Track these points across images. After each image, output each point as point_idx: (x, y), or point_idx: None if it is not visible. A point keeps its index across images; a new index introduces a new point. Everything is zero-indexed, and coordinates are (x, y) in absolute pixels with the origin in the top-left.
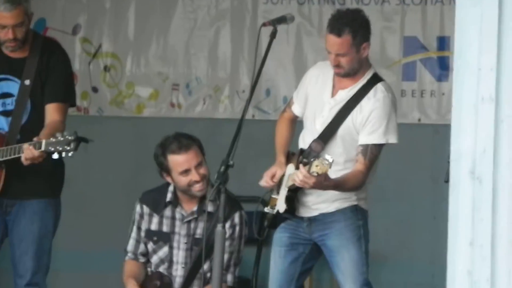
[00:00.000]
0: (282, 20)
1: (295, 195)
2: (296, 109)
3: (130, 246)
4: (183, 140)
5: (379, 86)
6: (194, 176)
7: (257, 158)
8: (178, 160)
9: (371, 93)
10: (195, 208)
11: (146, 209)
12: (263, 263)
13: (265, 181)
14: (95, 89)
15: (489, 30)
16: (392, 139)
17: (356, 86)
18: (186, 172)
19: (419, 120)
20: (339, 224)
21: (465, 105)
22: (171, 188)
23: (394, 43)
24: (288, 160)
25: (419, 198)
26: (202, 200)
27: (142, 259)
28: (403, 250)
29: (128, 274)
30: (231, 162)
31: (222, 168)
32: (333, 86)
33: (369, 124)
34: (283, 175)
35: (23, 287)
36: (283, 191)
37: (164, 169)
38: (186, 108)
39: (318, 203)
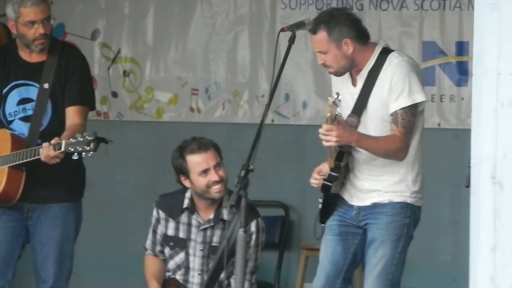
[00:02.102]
0: (300, 25)
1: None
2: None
3: (148, 245)
4: (202, 140)
5: (391, 56)
6: (213, 176)
7: (276, 162)
8: (197, 160)
9: (385, 64)
10: (211, 215)
11: (162, 214)
12: (285, 267)
13: (313, 178)
14: (114, 94)
15: (508, 35)
16: (419, 98)
17: (369, 64)
18: (205, 172)
19: (439, 124)
20: (386, 219)
21: (484, 110)
22: (188, 194)
23: (413, 48)
24: None
25: (440, 203)
26: (219, 208)
27: (161, 256)
28: (424, 255)
29: (150, 273)
30: (251, 167)
31: (243, 173)
32: (352, 77)
33: (392, 92)
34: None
35: None
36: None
37: (183, 171)
38: (206, 112)
39: (371, 191)
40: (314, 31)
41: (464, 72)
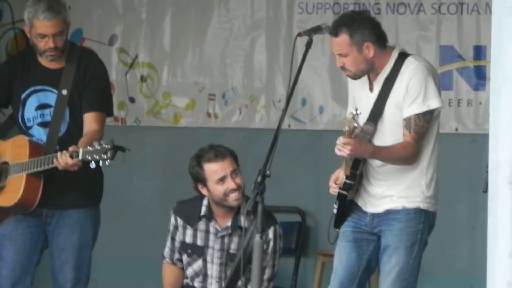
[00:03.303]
0: (317, 29)
1: (355, 184)
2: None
3: (166, 253)
4: (218, 149)
5: (409, 60)
6: (230, 184)
7: (293, 167)
8: (214, 168)
9: (402, 69)
10: (229, 223)
11: (180, 221)
12: (301, 273)
13: (331, 188)
14: (132, 100)
15: None
16: (434, 104)
17: (386, 69)
18: (222, 180)
19: (456, 129)
20: (399, 225)
21: (502, 115)
22: (205, 201)
23: (430, 52)
24: None
25: (457, 208)
26: (236, 215)
27: (179, 265)
28: (441, 261)
29: (168, 282)
30: (268, 172)
31: (259, 178)
32: (370, 82)
33: (407, 97)
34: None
35: None
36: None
37: (200, 179)
38: (223, 118)
39: (384, 197)
40: (335, 33)
41: (482, 76)
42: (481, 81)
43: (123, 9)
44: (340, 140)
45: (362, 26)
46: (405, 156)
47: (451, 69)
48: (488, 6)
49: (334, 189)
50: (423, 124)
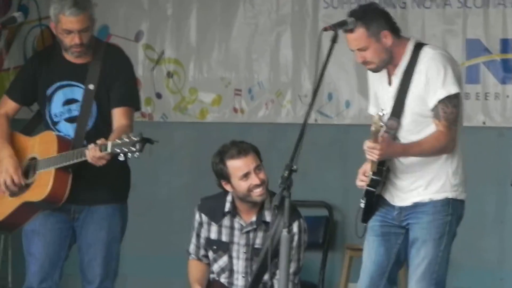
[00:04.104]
0: (343, 24)
1: (382, 180)
2: (371, 110)
3: (192, 249)
4: (241, 145)
5: (425, 49)
6: (254, 179)
7: (320, 162)
8: (237, 165)
9: (419, 59)
10: (254, 218)
11: (204, 218)
12: (329, 268)
13: (359, 180)
14: (158, 95)
15: None
16: (454, 89)
17: (403, 62)
18: (246, 176)
19: (484, 123)
20: (427, 218)
21: None
22: (229, 197)
23: (457, 46)
24: None
25: (485, 202)
26: (260, 210)
27: (205, 260)
28: (470, 254)
29: (194, 277)
30: (294, 167)
31: (286, 173)
32: (388, 75)
33: (429, 85)
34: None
35: None
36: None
37: (224, 176)
38: (249, 113)
39: (410, 190)
40: (350, 29)
41: (509, 69)
42: (508, 74)
43: (149, 5)
44: (367, 144)
45: (376, 16)
46: (439, 146)
47: (478, 63)
48: None
49: (362, 182)
50: (451, 110)
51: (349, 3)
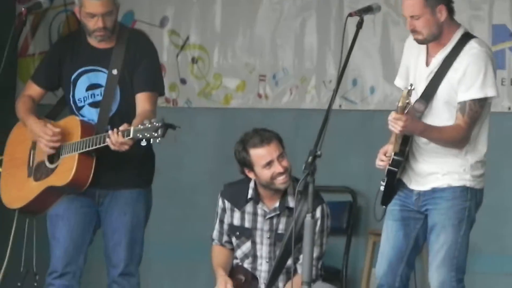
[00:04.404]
0: (368, 10)
1: (404, 160)
2: (397, 82)
3: (215, 235)
4: (263, 133)
5: (472, 43)
6: (277, 167)
7: (344, 148)
8: (260, 153)
9: (464, 51)
10: (277, 204)
11: (227, 204)
12: (353, 253)
13: (379, 159)
14: (183, 81)
15: None
16: (491, 92)
17: (447, 49)
18: (269, 164)
19: (509, 108)
20: (446, 203)
21: None
22: (252, 184)
23: (483, 31)
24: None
25: (508, 187)
26: (284, 196)
27: (228, 246)
28: (491, 240)
29: (217, 262)
30: (318, 153)
31: (310, 159)
32: (427, 54)
33: (465, 80)
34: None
35: (116, 277)
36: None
37: (247, 164)
38: (273, 99)
39: (429, 174)
40: None
41: None
42: None
43: None
44: (392, 115)
45: None
46: (455, 139)
47: (503, 48)
48: None
49: (382, 162)
50: (477, 109)
51: None
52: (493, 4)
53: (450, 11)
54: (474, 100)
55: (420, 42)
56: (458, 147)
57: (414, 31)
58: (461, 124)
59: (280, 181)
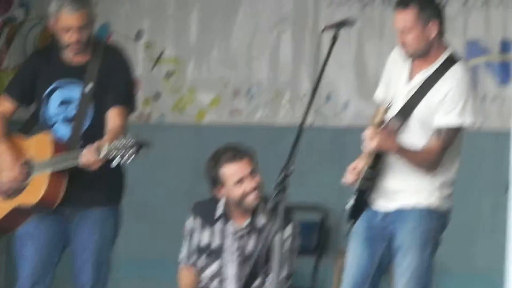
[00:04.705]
0: (343, 23)
1: (372, 182)
2: (377, 94)
3: (183, 255)
4: (236, 149)
5: (456, 67)
6: (248, 184)
7: (317, 164)
8: (232, 169)
9: (448, 74)
10: (246, 222)
11: (198, 221)
12: (322, 273)
13: (347, 175)
14: (157, 95)
15: None
16: (469, 121)
17: (431, 68)
18: (240, 181)
19: (480, 126)
20: (411, 224)
21: None
22: (222, 201)
23: (456, 46)
24: None
25: (479, 207)
26: (253, 214)
27: (197, 266)
28: (462, 259)
29: (185, 286)
30: (290, 170)
31: (281, 176)
32: (411, 70)
33: (445, 104)
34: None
35: None
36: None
37: (219, 180)
38: (247, 113)
39: (397, 192)
40: (404, 5)
41: (508, 71)
42: (507, 77)
43: (150, 4)
44: (368, 131)
45: (432, 4)
46: (427, 163)
47: (477, 64)
48: None
49: (350, 178)
50: (452, 136)
51: (351, 2)
52: (467, 18)
53: (441, 30)
54: (450, 126)
55: (408, 55)
56: (429, 170)
57: (403, 44)
58: (434, 148)
59: (251, 198)
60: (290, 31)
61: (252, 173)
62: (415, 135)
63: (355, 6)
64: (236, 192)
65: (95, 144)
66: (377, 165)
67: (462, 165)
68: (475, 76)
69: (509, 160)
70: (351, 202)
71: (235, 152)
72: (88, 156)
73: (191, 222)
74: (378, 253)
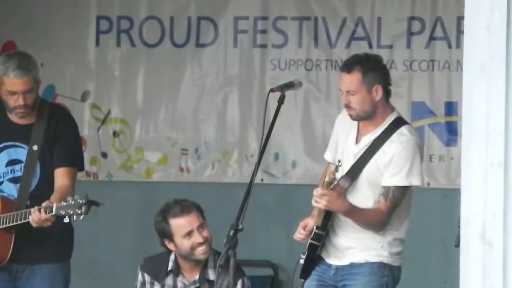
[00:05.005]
0: (290, 85)
1: (323, 240)
2: (327, 155)
3: None
4: (184, 203)
5: (403, 130)
6: (197, 238)
7: (266, 222)
8: (181, 223)
9: (394, 136)
10: (197, 276)
11: (147, 277)
12: None
13: (298, 232)
14: (104, 155)
15: (496, 95)
16: (416, 181)
17: (378, 130)
18: (189, 234)
19: (428, 184)
20: (364, 279)
21: (474, 170)
22: (172, 256)
23: (402, 108)
24: None
25: (430, 263)
26: (204, 268)
27: None
28: None
29: None
30: (240, 226)
31: (232, 232)
32: (358, 132)
33: (392, 166)
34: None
35: None
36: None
37: (167, 234)
38: (195, 172)
39: (348, 249)
40: (348, 69)
41: (454, 132)
42: (453, 137)
43: (96, 65)
44: (318, 191)
45: (376, 68)
46: (375, 223)
47: (423, 125)
48: (459, 63)
49: (300, 235)
50: (400, 196)
51: (296, 65)
52: (412, 81)
53: (387, 93)
54: (397, 187)
55: (352, 118)
56: (377, 230)
57: (348, 106)
58: (382, 208)
59: (200, 252)
60: (236, 93)
61: (200, 227)
62: (364, 195)
63: (300, 69)
64: (185, 245)
65: (45, 203)
66: (327, 223)
67: (412, 221)
68: (422, 137)
69: (458, 216)
70: (303, 258)
71: (183, 206)
72: (38, 214)
73: (141, 278)
74: None
